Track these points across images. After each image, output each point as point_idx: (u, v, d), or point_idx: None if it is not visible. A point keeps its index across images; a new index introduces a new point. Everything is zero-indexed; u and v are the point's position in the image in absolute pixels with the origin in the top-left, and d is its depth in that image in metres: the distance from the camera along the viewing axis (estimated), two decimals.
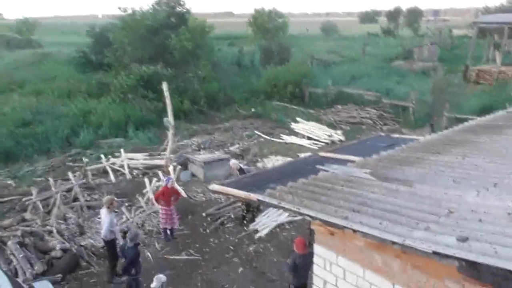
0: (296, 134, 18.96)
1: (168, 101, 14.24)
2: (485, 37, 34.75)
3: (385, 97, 22.79)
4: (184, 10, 26.19)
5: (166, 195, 10.44)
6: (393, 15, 65.01)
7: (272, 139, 18.38)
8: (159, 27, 23.53)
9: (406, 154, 6.35)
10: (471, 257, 3.28)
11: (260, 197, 5.03)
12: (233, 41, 45.68)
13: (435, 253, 3.46)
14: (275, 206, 5.02)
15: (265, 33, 42.61)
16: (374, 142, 7.99)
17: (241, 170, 11.23)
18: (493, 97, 20.69)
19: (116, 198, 10.02)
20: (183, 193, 12.70)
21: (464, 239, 3.54)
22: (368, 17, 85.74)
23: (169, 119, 14.28)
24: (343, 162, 6.40)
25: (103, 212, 8.89)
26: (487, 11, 48.91)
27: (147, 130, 18.73)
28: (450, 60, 36.69)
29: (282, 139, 18.36)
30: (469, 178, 5.09)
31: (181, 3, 26.53)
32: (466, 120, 10.38)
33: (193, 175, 14.70)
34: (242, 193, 5.34)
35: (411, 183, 5.04)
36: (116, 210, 11.66)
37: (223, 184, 5.85)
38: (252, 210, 11.36)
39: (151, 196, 12.16)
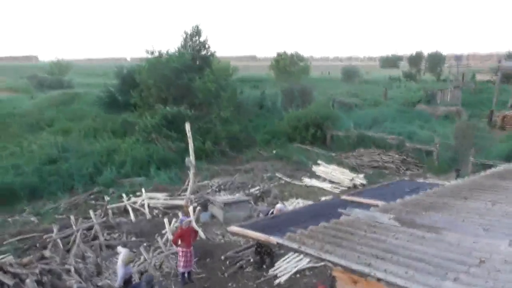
0: (317, 177, 18.77)
1: (190, 141, 14.41)
2: (509, 82, 34.43)
3: (408, 141, 22.51)
4: (209, 53, 27.00)
5: (186, 236, 10.30)
6: (415, 59, 65.41)
7: (293, 181, 18.22)
8: (184, 69, 24.22)
9: (432, 200, 6.15)
10: None
11: (280, 241, 4.90)
12: (255, 83, 46.51)
13: None
14: (295, 251, 4.86)
15: (287, 76, 43.35)
16: (398, 187, 7.80)
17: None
18: None
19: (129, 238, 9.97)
20: (202, 234, 12.55)
21: None
22: (389, 62, 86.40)
23: (191, 159, 14.38)
24: (366, 206, 6.23)
25: (119, 264, 8.90)
26: (510, 56, 48.73)
27: (169, 170, 18.86)
28: (474, 104, 36.28)
29: (303, 181, 18.19)
30: (500, 225, 4.86)
31: (206, 46, 27.43)
32: (492, 166, 10.09)
33: (212, 216, 14.59)
34: (261, 236, 5.22)
35: (438, 230, 4.84)
36: (135, 250, 11.60)
37: (242, 226, 5.74)
38: (269, 254, 11.05)
39: (170, 237, 12.05)
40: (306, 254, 4.60)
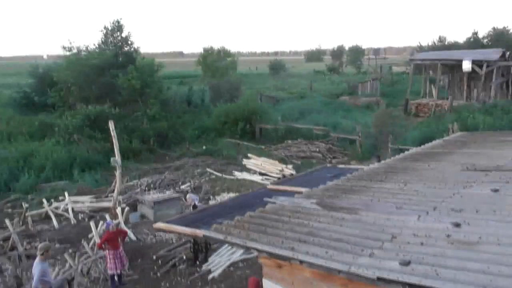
0: (248, 170, 18.96)
1: (115, 140, 13.88)
2: (421, 73, 37.07)
3: (333, 131, 23.46)
4: (132, 50, 26.13)
5: (112, 239, 9.92)
6: (337, 53, 68.27)
7: (224, 176, 18.25)
8: (106, 66, 23.25)
9: (352, 183, 6.48)
10: (414, 280, 3.32)
11: (206, 233, 4.90)
12: (182, 80, 45.88)
13: (379, 279, 3.48)
14: (221, 241, 4.90)
15: (215, 71, 43.20)
16: (321, 173, 8.12)
17: (195, 207, 10.98)
18: (431, 128, 21.85)
19: (52, 245, 9.39)
20: (131, 236, 12.19)
21: (406, 263, 3.59)
22: (314, 56, 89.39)
23: (117, 158, 13.86)
24: (291, 194, 6.42)
25: (36, 260, 8.24)
26: (421, 49, 52.55)
27: (94, 171, 18.05)
28: (391, 94, 38.72)
29: (234, 175, 18.28)
30: (410, 203, 5.25)
31: (129, 42, 26.52)
32: (408, 150, 10.83)
33: (142, 216, 14.19)
34: (187, 230, 5.19)
35: (356, 211, 5.11)
36: (58, 258, 10.99)
37: (168, 222, 5.66)
38: (204, 248, 11.02)
39: (98, 240, 11.54)
40: (232, 244, 4.64)
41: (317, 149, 21.00)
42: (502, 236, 3.85)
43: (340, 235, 4.45)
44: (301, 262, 4.01)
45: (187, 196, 12.26)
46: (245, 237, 4.63)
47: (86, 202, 14.87)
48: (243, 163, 19.72)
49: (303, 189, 6.59)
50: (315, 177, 7.76)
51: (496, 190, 5.27)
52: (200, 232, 4.96)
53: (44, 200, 14.75)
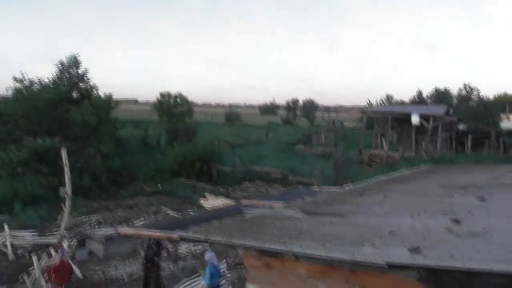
0: (205, 210, 18.25)
1: (66, 169, 12.98)
2: (371, 129, 38.54)
3: (291, 175, 23.42)
4: (89, 86, 25.37)
5: (62, 271, 8.88)
6: (291, 106, 70.16)
7: (180, 215, 17.41)
8: (59, 101, 22.27)
9: (331, 198, 6.23)
10: (431, 263, 3.02)
11: (184, 234, 4.39)
12: (137, 124, 44.90)
13: (390, 266, 3.14)
14: (202, 241, 4.39)
15: (171, 117, 42.65)
16: (295, 192, 7.82)
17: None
18: (385, 171, 22.39)
19: None
20: (78, 273, 11.06)
21: (416, 249, 3.30)
22: (268, 109, 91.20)
23: (67, 189, 12.88)
24: (268, 207, 6.04)
25: None
26: (370, 106, 55.21)
27: (39, 207, 16.64)
28: (345, 146, 39.73)
29: (190, 215, 17.49)
30: (398, 209, 5.04)
31: (85, 79, 25.77)
32: None
33: (91, 252, 13.02)
34: (160, 233, 4.64)
35: (343, 216, 4.82)
36: None
37: (135, 228, 5.07)
38: (156, 277, 10.02)
39: (38, 274, 10.35)
40: (215, 242, 4.16)
41: (275, 191, 20.73)
42: (509, 225, 3.69)
43: (333, 232, 4.12)
44: (296, 257, 3.61)
45: (206, 255, 9.57)
46: (228, 236, 4.17)
47: (27, 237, 13.50)
48: (200, 202, 19.00)
49: (279, 203, 6.24)
50: (290, 195, 7.44)
51: (483, 199, 5.20)
52: (175, 234, 4.44)
53: None
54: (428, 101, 50.34)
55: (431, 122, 31.34)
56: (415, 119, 31.14)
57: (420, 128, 32.51)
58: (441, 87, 53.35)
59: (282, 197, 7.16)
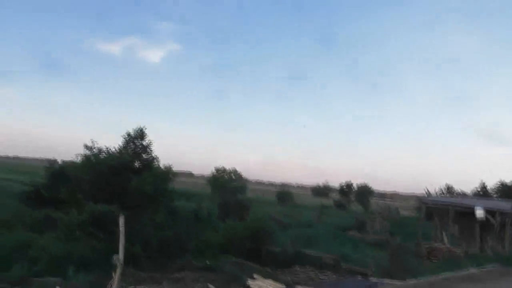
0: None
1: (121, 236, 13.22)
2: (430, 219, 36.75)
3: (343, 261, 22.40)
4: (150, 158, 26.65)
5: None
6: (345, 190, 68.95)
7: None
8: (122, 169, 23.45)
9: None
10: None
11: None
12: (191, 197, 45.88)
13: None
14: None
15: (224, 192, 43.35)
16: (353, 284, 7.37)
17: None
18: (448, 267, 20.78)
19: None
20: None
21: None
22: (321, 191, 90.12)
23: (120, 256, 13.04)
24: None
25: None
26: (429, 196, 52.95)
27: (89, 271, 16.87)
28: (400, 235, 37.82)
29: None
30: None
31: (148, 151, 27.16)
32: None
33: None
34: None
35: None
36: None
37: None
38: None
39: None
40: None
41: (326, 278, 19.75)
42: None
43: None
44: None
45: None
46: None
47: None
48: (248, 283, 18.42)
49: None
50: (349, 285, 7.02)
51: None
52: None
53: None
54: (493, 195, 47.63)
55: (497, 217, 29.41)
56: (479, 213, 29.41)
57: (485, 224, 30.54)
58: (507, 181, 50.51)
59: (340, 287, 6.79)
